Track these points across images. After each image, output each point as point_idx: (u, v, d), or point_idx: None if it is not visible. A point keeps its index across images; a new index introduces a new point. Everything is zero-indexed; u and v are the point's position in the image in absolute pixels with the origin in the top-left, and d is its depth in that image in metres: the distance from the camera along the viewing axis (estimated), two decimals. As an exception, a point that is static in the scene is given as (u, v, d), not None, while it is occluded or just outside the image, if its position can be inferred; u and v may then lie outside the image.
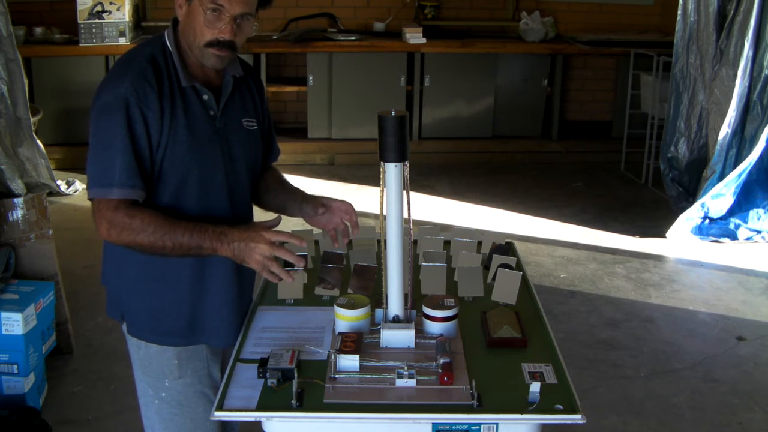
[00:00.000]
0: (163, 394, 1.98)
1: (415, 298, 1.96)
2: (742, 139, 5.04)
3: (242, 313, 2.02)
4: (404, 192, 1.82)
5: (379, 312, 1.92)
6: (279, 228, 1.87)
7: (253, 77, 2.04)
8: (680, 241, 5.04)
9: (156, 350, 1.95)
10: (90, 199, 1.81)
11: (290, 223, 2.29)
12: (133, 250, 1.81)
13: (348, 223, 2.10)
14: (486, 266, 2.30)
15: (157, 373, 1.97)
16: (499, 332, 1.89)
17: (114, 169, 1.75)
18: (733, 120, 4.97)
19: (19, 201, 3.38)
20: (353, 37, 6.59)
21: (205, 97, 1.86)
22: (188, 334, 1.95)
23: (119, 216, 1.76)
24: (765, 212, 5.00)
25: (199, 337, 1.96)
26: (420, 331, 1.89)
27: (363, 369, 1.73)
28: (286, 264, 1.94)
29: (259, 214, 2.11)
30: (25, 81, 4.93)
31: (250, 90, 2.01)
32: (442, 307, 1.90)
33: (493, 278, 2.17)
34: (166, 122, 1.79)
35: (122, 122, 1.75)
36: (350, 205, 2.09)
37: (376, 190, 1.85)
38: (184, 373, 1.97)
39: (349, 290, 2.11)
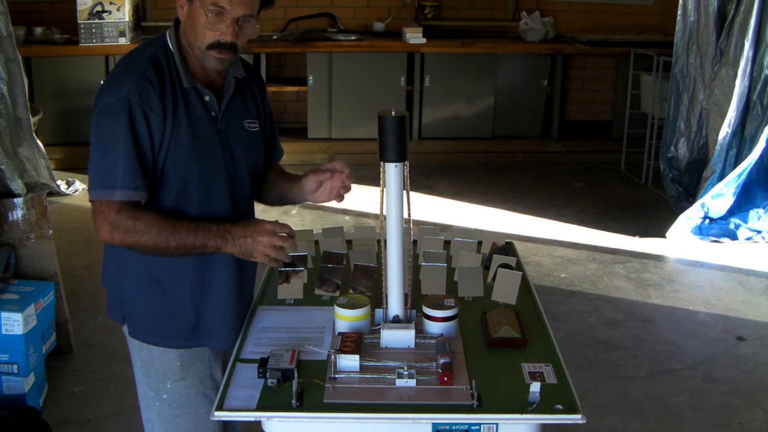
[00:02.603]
0: (165, 396, 1.98)
1: (415, 298, 1.96)
2: (742, 139, 5.04)
3: (244, 315, 2.02)
4: (404, 192, 1.82)
5: (379, 312, 1.92)
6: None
7: (255, 78, 2.03)
8: (680, 241, 5.04)
9: (158, 352, 1.95)
10: (91, 201, 1.80)
11: (291, 223, 2.28)
12: (135, 251, 1.81)
13: (345, 181, 2.03)
14: (486, 266, 2.30)
15: (159, 374, 1.97)
16: (499, 332, 1.89)
17: (116, 170, 1.74)
18: (733, 120, 4.98)
19: (19, 201, 3.38)
20: (353, 37, 6.60)
21: (207, 98, 1.86)
22: (191, 336, 1.95)
23: (122, 218, 1.76)
24: (765, 212, 5.00)
25: (201, 340, 1.96)
26: (420, 331, 1.89)
27: (363, 369, 1.73)
28: (287, 265, 1.95)
29: (261, 213, 2.11)
30: (25, 81, 4.92)
31: (252, 91, 2.00)
32: (442, 307, 1.90)
33: (493, 278, 2.17)
34: (168, 124, 1.79)
35: (125, 123, 1.74)
36: (343, 162, 2.03)
37: (376, 190, 1.85)
38: (186, 375, 1.97)
39: (350, 290, 2.11)
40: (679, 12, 5.29)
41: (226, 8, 1.76)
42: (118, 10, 6.15)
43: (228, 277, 1.93)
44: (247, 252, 1.82)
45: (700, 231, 5.04)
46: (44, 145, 5.23)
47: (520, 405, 1.63)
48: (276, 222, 1.85)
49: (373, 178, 2.37)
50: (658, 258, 4.83)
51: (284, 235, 1.83)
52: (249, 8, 1.79)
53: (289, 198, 2.10)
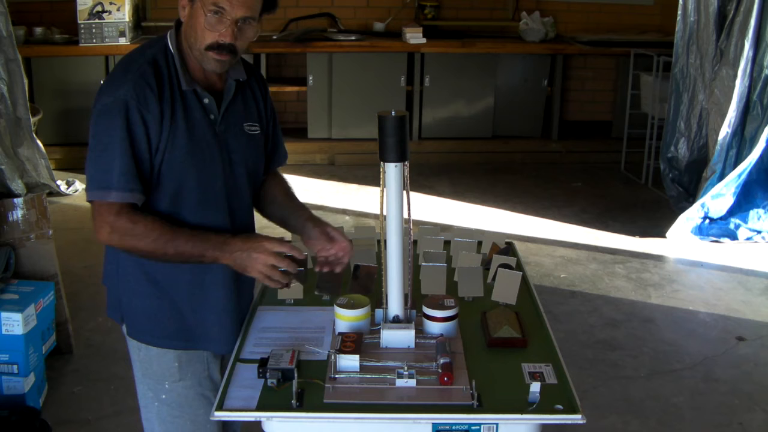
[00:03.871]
0: (164, 397, 1.98)
1: (415, 298, 1.96)
2: (742, 139, 5.04)
3: (241, 320, 2.01)
4: (404, 192, 1.82)
5: (379, 312, 1.92)
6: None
7: (257, 80, 2.01)
8: (680, 241, 5.04)
9: (156, 353, 1.95)
10: (89, 202, 1.80)
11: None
12: (132, 254, 1.81)
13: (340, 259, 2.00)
14: (486, 266, 2.30)
15: (157, 375, 1.97)
16: (499, 332, 1.89)
17: (112, 172, 1.74)
18: (733, 120, 4.97)
19: (19, 201, 3.38)
20: (353, 37, 6.60)
21: (206, 100, 1.85)
22: (188, 338, 1.94)
23: (122, 221, 1.75)
24: (765, 212, 5.00)
25: (198, 343, 1.95)
26: (420, 331, 1.89)
27: (363, 369, 1.73)
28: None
29: (259, 220, 2.11)
30: (25, 81, 4.93)
31: (253, 94, 1.98)
32: (442, 307, 1.90)
33: (493, 278, 2.17)
34: (165, 126, 1.78)
35: (122, 125, 1.74)
36: (351, 246, 2.00)
37: (376, 190, 1.85)
38: (184, 376, 1.97)
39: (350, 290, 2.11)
40: (679, 12, 5.29)
41: (226, 9, 1.75)
42: (118, 10, 6.15)
43: (226, 283, 1.92)
44: (243, 266, 1.80)
45: (700, 231, 5.04)
46: (44, 145, 5.24)
47: (520, 405, 1.63)
48: (278, 240, 1.82)
49: (373, 178, 2.37)
50: (658, 258, 4.83)
51: (284, 254, 1.79)
52: (249, 10, 1.78)
53: (288, 227, 2.07)
